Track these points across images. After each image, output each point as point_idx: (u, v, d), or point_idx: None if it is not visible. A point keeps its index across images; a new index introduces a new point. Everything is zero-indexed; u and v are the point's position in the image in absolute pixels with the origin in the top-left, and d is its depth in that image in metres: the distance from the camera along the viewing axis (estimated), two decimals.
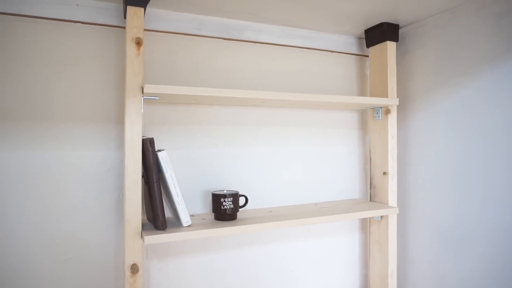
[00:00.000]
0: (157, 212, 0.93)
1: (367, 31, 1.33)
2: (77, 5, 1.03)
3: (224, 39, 1.22)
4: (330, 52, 1.40)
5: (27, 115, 0.99)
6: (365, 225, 1.47)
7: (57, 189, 1.01)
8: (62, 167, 1.02)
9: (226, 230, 0.98)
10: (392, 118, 1.28)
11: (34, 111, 0.99)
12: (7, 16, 0.97)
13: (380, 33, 1.28)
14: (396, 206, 1.28)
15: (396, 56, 1.29)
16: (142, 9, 0.95)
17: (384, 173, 1.29)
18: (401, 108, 1.37)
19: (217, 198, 1.04)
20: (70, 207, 1.02)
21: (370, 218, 1.37)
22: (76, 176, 1.03)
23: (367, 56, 1.45)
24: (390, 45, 1.27)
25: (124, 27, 1.07)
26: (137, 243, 0.91)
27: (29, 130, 0.99)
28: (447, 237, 1.20)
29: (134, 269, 0.91)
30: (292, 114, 1.33)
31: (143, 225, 0.97)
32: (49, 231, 1.00)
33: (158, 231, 0.93)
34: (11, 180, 0.97)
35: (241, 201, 1.12)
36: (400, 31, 1.32)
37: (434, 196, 1.24)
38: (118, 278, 1.08)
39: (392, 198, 1.28)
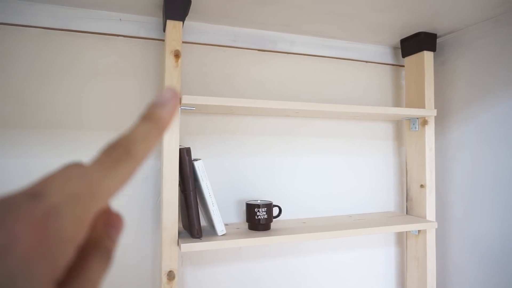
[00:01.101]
0: (193, 220, 0.94)
1: (403, 41, 1.31)
2: (120, 19, 1.08)
3: (258, 50, 1.24)
4: (365, 63, 1.38)
5: (73, 124, 1.04)
6: (401, 239, 1.42)
7: None
8: None
9: (260, 240, 0.97)
10: (430, 129, 1.25)
11: (79, 120, 1.04)
12: (56, 31, 1.03)
13: (417, 43, 1.25)
14: (434, 220, 1.23)
15: (434, 66, 1.26)
16: (181, 22, 0.99)
17: (422, 186, 1.25)
18: (439, 119, 1.33)
19: (251, 208, 1.05)
20: None
21: (407, 232, 1.33)
22: None
23: (403, 66, 1.42)
24: (427, 55, 1.25)
25: (163, 40, 1.11)
26: (173, 251, 0.93)
27: (73, 139, 1.03)
28: (489, 255, 1.14)
29: (171, 276, 0.92)
30: (326, 125, 1.32)
31: (179, 233, 0.99)
32: None
33: (193, 239, 0.94)
34: None
35: (275, 211, 1.12)
36: (438, 40, 1.29)
37: (475, 211, 1.19)
38: (155, 284, 1.09)
39: (430, 212, 1.24)
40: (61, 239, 0.16)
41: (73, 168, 0.18)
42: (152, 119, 0.21)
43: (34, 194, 0.17)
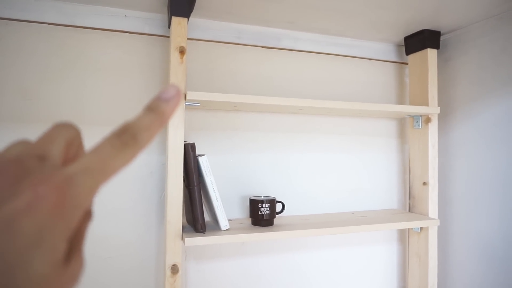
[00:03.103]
0: (197, 215, 0.95)
1: (407, 39, 1.31)
2: (125, 16, 1.08)
3: (262, 47, 1.24)
4: (368, 60, 1.39)
5: (77, 119, 1.05)
6: (403, 236, 1.43)
7: (103, 191, 1.06)
8: None
9: (263, 236, 0.98)
10: (433, 127, 1.25)
11: (84, 116, 1.05)
12: (62, 27, 1.04)
13: (421, 40, 1.26)
14: (437, 217, 1.24)
15: (437, 63, 1.26)
16: (186, 19, 0.99)
17: (424, 183, 1.25)
18: (442, 117, 1.33)
19: (254, 204, 1.05)
20: (114, 208, 1.07)
21: (409, 229, 1.34)
22: (120, 178, 1.08)
23: (407, 63, 1.43)
24: (431, 53, 1.25)
25: (168, 36, 1.12)
26: (177, 245, 0.94)
27: None
28: (491, 253, 1.14)
29: (174, 269, 0.93)
30: (329, 122, 1.33)
31: (183, 228, 1.00)
32: (93, 229, 1.05)
33: (197, 233, 0.95)
34: None
35: (278, 207, 1.13)
36: (442, 38, 1.30)
37: (476, 209, 1.19)
38: (159, 278, 1.11)
39: (433, 209, 1.24)
40: (75, 204, 0.18)
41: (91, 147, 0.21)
42: (156, 111, 0.23)
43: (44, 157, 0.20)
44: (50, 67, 1.03)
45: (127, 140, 0.21)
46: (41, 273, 0.17)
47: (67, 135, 0.22)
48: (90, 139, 1.05)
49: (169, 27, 1.06)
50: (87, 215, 0.22)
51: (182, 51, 0.98)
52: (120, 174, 1.08)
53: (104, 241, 1.06)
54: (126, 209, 1.08)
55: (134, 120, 0.23)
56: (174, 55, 0.97)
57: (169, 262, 0.93)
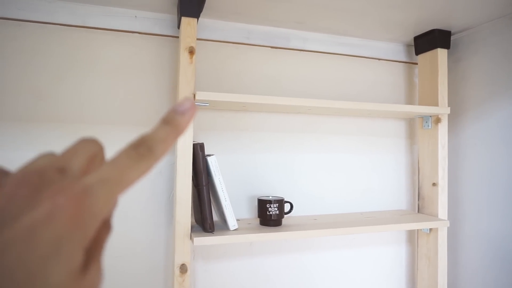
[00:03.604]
0: (205, 215, 0.95)
1: (417, 38, 1.30)
2: (135, 16, 1.09)
3: (271, 47, 1.25)
4: (378, 60, 1.38)
5: (88, 119, 1.06)
6: (412, 237, 1.42)
7: None
8: None
9: (271, 236, 0.98)
10: (443, 127, 1.24)
11: (94, 115, 1.06)
12: (73, 28, 1.05)
13: (431, 40, 1.25)
14: (446, 218, 1.23)
15: (447, 63, 1.25)
16: (195, 19, 1.00)
17: (434, 184, 1.24)
18: (452, 118, 1.32)
19: (263, 204, 1.06)
20: (123, 207, 1.08)
21: (418, 230, 1.33)
22: None
23: (416, 63, 1.42)
24: (441, 53, 1.24)
25: (178, 37, 1.12)
26: (186, 244, 0.95)
27: (88, 133, 1.06)
28: (502, 255, 1.13)
29: (183, 269, 0.94)
30: (338, 122, 1.32)
31: (191, 227, 1.00)
32: None
33: (206, 233, 0.96)
34: None
35: (286, 207, 1.13)
36: (452, 37, 1.28)
37: (487, 210, 1.18)
38: (167, 277, 1.11)
39: (443, 210, 1.23)
40: (93, 214, 0.19)
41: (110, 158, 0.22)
42: (172, 124, 0.24)
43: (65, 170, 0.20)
44: (62, 68, 1.04)
45: (143, 151, 0.22)
46: (58, 282, 0.17)
47: (90, 149, 0.22)
48: (102, 140, 1.06)
49: (178, 27, 1.06)
50: (106, 226, 0.22)
51: (191, 51, 0.98)
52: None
53: (113, 240, 1.07)
54: (135, 208, 1.09)
55: (150, 132, 0.23)
56: (184, 55, 0.98)
57: (178, 261, 0.94)
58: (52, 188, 0.19)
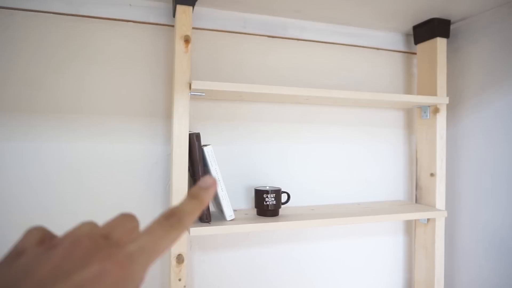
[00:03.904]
0: None
1: (416, 28, 1.29)
2: (130, 5, 1.08)
3: (269, 36, 1.23)
4: (376, 50, 1.36)
5: (83, 109, 1.05)
6: (409, 227, 1.42)
7: (109, 180, 1.07)
8: (113, 159, 1.07)
9: (269, 226, 0.98)
10: (441, 117, 1.23)
11: (89, 106, 1.05)
12: (67, 16, 1.03)
13: (430, 29, 1.23)
14: (444, 209, 1.22)
15: (447, 53, 1.24)
16: (191, 7, 0.98)
17: (432, 175, 1.24)
18: (451, 108, 1.31)
19: (260, 194, 1.05)
20: (120, 197, 1.07)
21: (415, 220, 1.33)
22: (126, 168, 1.08)
23: (415, 53, 1.40)
24: (440, 42, 1.22)
25: (173, 26, 1.11)
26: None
27: (85, 124, 1.05)
28: (498, 244, 1.13)
29: (180, 259, 0.93)
30: (336, 112, 1.31)
31: None
32: (100, 218, 1.05)
33: (202, 223, 0.95)
34: (67, 170, 1.03)
35: (283, 197, 1.12)
36: (452, 26, 1.27)
37: (485, 200, 1.18)
38: (164, 267, 1.11)
39: (440, 200, 1.23)
40: (133, 278, 0.22)
41: (146, 226, 0.25)
42: (198, 198, 0.28)
43: (112, 239, 0.24)
44: (55, 57, 1.03)
45: (174, 222, 0.25)
46: None
47: (129, 223, 0.26)
48: (97, 129, 1.06)
49: (174, 16, 1.05)
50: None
51: (187, 40, 0.97)
52: (126, 164, 1.08)
53: None
54: (132, 198, 1.09)
55: (179, 205, 0.27)
56: (179, 44, 0.96)
57: (175, 251, 0.93)
58: (101, 253, 0.22)
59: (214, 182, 0.29)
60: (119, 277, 0.21)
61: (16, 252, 0.23)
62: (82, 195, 1.04)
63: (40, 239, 0.24)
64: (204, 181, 0.29)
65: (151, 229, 0.25)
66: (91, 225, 0.25)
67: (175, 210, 0.26)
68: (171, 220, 0.25)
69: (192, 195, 0.28)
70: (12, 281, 0.20)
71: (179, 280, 0.94)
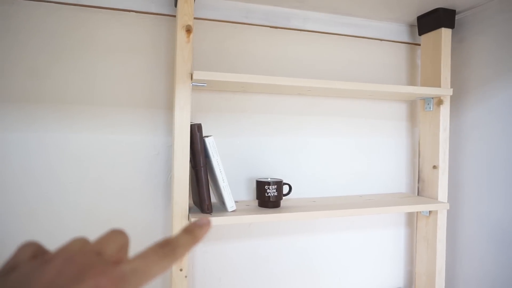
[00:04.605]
0: (203, 196, 0.95)
1: (420, 18, 1.27)
2: None
3: (271, 27, 1.22)
4: (380, 41, 1.35)
5: (84, 100, 1.05)
6: (411, 220, 1.42)
7: (112, 171, 1.07)
8: (115, 150, 1.07)
9: (270, 217, 0.98)
10: (445, 109, 1.22)
11: (90, 96, 1.05)
12: (69, 6, 1.03)
13: (435, 19, 1.22)
14: (446, 201, 1.22)
15: (451, 43, 1.22)
16: None
17: (434, 167, 1.23)
18: (455, 100, 1.30)
19: (261, 186, 1.05)
20: (122, 188, 1.08)
21: (417, 213, 1.32)
22: (128, 159, 1.08)
23: (419, 44, 1.39)
24: (445, 32, 1.21)
25: (174, 16, 1.10)
26: (184, 225, 0.94)
27: (87, 114, 1.05)
28: (500, 237, 1.13)
29: None
30: (338, 104, 1.31)
31: (189, 208, 1.00)
32: (103, 209, 1.06)
33: (204, 214, 0.96)
34: (70, 160, 1.03)
35: (285, 189, 1.12)
36: (457, 17, 1.25)
37: (487, 193, 1.17)
38: None
39: (442, 193, 1.22)
40: None
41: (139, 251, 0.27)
42: (192, 234, 0.29)
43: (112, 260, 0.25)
44: (56, 47, 1.02)
45: (168, 252, 0.27)
46: None
47: (120, 240, 0.27)
48: (99, 119, 1.05)
49: (175, 5, 1.04)
50: None
51: (188, 30, 0.96)
52: (128, 155, 1.08)
53: (111, 221, 1.07)
54: (134, 189, 1.09)
55: (174, 237, 0.28)
56: (181, 34, 0.96)
57: None
58: (94, 269, 0.22)
59: (209, 223, 0.31)
60: None
61: (9, 267, 0.23)
62: (85, 186, 1.05)
63: (33, 254, 0.24)
64: (200, 220, 0.31)
65: (145, 253, 0.26)
66: (82, 241, 0.26)
67: (170, 240, 0.28)
68: (165, 249, 0.27)
69: (187, 230, 0.30)
70: None
71: (180, 270, 0.95)
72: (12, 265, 0.23)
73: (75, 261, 0.22)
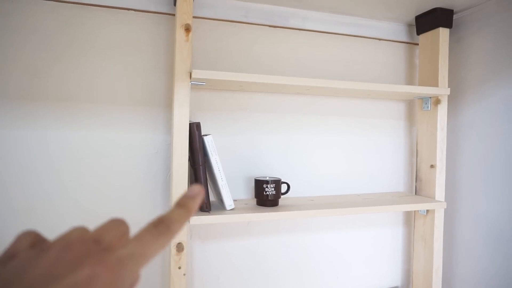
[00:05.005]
0: None
1: (418, 18, 1.28)
2: None
3: (270, 26, 1.22)
4: (378, 40, 1.36)
5: (85, 98, 1.05)
6: (409, 219, 1.42)
7: (110, 168, 1.07)
8: (114, 148, 1.07)
9: (268, 215, 0.99)
10: (442, 108, 1.23)
11: (89, 94, 1.05)
12: (69, 4, 1.03)
13: (432, 19, 1.22)
14: (443, 200, 1.23)
15: (449, 43, 1.23)
16: None
17: (432, 166, 1.24)
18: (452, 99, 1.30)
19: (259, 184, 1.05)
20: (121, 186, 1.08)
21: (415, 212, 1.33)
22: (127, 157, 1.08)
23: (417, 44, 1.39)
24: (443, 32, 1.22)
25: (173, 14, 1.10)
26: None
27: (86, 112, 1.05)
28: (497, 236, 1.14)
29: (180, 247, 0.94)
30: (336, 103, 1.31)
31: None
32: (102, 206, 1.06)
33: (202, 212, 0.96)
34: (69, 158, 1.03)
35: (283, 188, 1.13)
36: (455, 16, 1.26)
37: (485, 192, 1.18)
38: (164, 256, 1.12)
39: (440, 192, 1.23)
40: (123, 283, 0.23)
41: (136, 233, 0.26)
42: (184, 207, 0.29)
43: (103, 244, 0.24)
44: (55, 45, 1.02)
45: (162, 229, 0.26)
46: None
47: (119, 228, 0.26)
48: (98, 118, 1.06)
49: (174, 4, 1.04)
50: None
51: (187, 29, 0.96)
52: (127, 153, 1.08)
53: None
54: (132, 187, 1.09)
55: (167, 213, 0.28)
56: (180, 33, 0.96)
57: (174, 240, 0.94)
58: (92, 257, 0.22)
59: (200, 191, 0.30)
60: (109, 281, 0.22)
61: (8, 255, 0.23)
62: (84, 183, 1.05)
63: (32, 243, 0.25)
64: (191, 190, 0.30)
65: (140, 235, 0.26)
66: (82, 229, 0.26)
67: (163, 218, 0.28)
68: (160, 227, 0.27)
69: (179, 204, 0.29)
70: (3, 283, 0.20)
71: (179, 268, 0.95)
72: (11, 253, 0.23)
73: (72, 249, 0.22)
